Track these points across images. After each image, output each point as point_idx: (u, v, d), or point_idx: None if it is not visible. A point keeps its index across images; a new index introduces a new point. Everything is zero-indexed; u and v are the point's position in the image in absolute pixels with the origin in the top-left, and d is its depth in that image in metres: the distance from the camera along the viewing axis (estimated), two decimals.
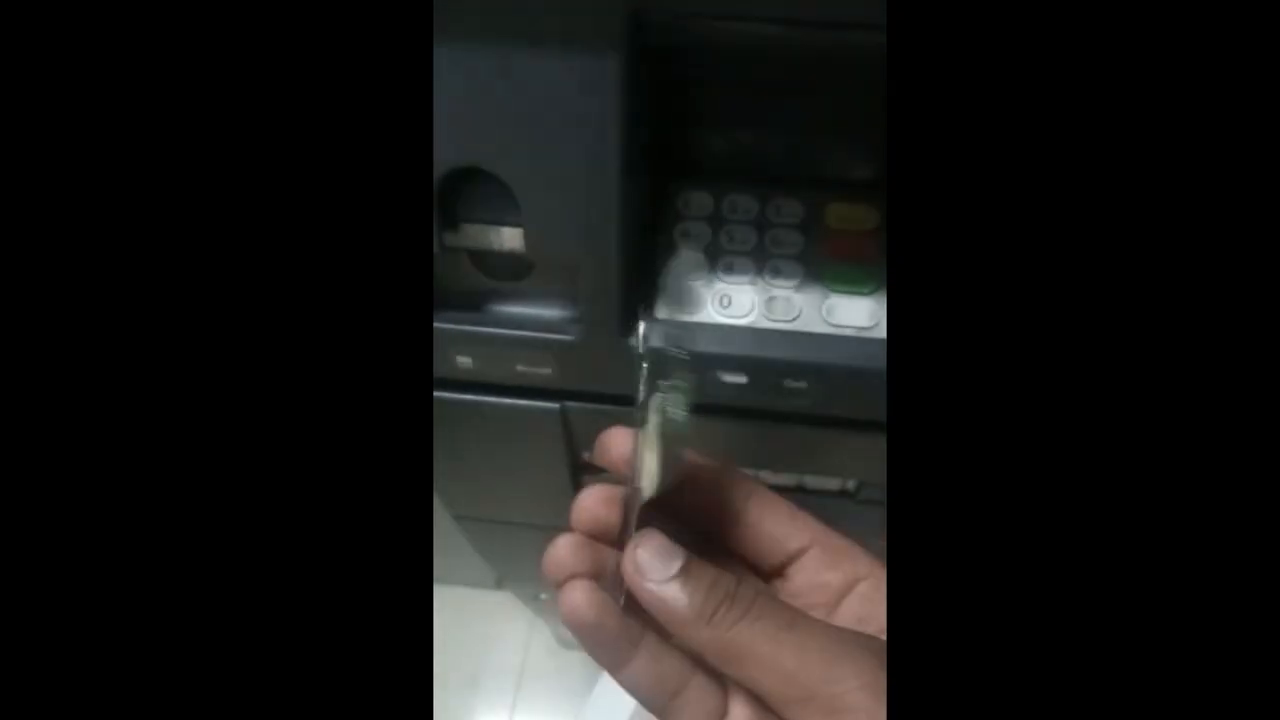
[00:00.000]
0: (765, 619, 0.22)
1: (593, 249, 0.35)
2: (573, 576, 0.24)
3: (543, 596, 0.91)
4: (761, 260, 0.39)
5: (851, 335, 0.38)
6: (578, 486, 0.47)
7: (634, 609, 0.23)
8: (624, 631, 0.23)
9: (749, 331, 0.38)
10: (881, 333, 0.38)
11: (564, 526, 0.25)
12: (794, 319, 0.38)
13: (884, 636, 0.24)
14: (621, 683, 0.24)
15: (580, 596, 0.23)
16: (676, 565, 0.22)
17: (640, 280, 0.39)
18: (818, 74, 0.37)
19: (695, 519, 0.26)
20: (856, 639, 0.22)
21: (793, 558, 0.25)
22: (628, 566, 0.23)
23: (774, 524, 0.25)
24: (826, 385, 0.38)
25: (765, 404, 0.41)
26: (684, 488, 0.26)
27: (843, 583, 0.25)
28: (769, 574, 0.26)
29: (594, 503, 0.25)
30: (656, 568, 0.22)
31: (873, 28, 0.30)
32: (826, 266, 0.39)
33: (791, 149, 0.41)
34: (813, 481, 0.49)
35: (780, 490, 0.52)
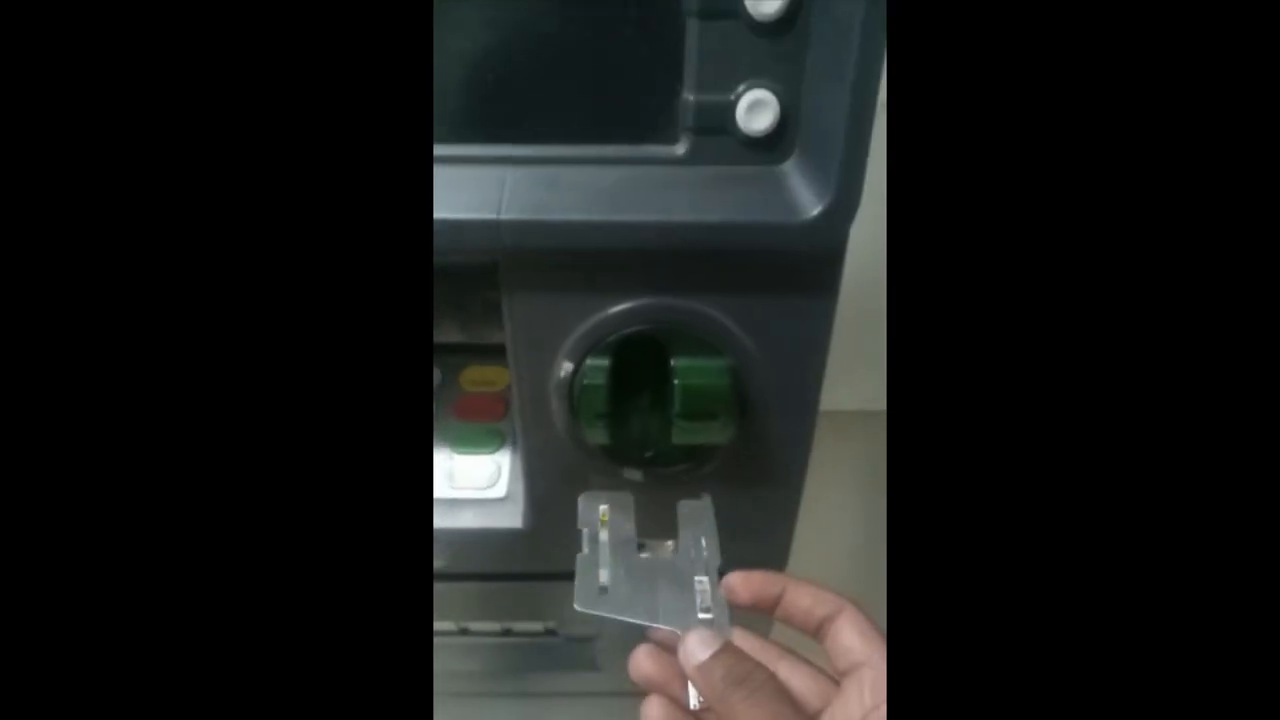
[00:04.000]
0: (762, 705, 0.28)
1: None
2: (651, 683, 0.31)
3: None
4: None
5: (474, 497, 0.39)
6: None
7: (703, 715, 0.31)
8: None
9: None
10: (499, 492, 0.39)
11: None
12: None
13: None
14: None
15: (655, 710, 0.31)
16: (711, 650, 0.29)
17: None
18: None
19: (752, 604, 0.33)
20: None
21: (824, 622, 0.31)
22: (680, 652, 0.30)
23: (805, 599, 0.32)
24: (457, 547, 0.40)
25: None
26: (738, 587, 0.33)
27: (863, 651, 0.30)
28: (815, 635, 0.32)
29: (645, 661, 0.32)
30: (698, 651, 0.29)
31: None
32: (452, 428, 0.41)
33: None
34: (519, 626, 0.50)
35: (488, 635, 0.52)
